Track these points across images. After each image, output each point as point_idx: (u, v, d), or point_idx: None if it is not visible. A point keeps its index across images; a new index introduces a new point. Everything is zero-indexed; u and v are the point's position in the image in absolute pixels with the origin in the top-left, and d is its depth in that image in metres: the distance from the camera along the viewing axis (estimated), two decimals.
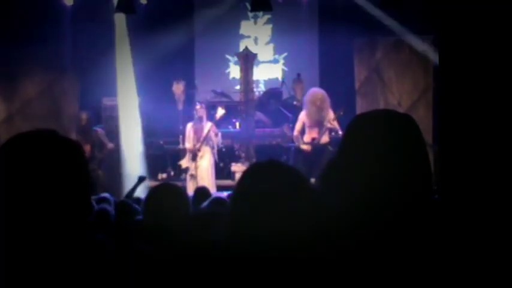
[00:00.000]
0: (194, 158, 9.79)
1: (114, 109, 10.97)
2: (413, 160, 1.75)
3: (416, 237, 1.72)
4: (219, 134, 10.06)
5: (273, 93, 12.51)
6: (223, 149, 10.83)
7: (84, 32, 10.61)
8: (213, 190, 8.94)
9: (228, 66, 13.54)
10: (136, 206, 4.92)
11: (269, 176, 1.74)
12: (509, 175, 1.95)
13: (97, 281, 1.76)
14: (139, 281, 2.94)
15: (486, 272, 1.80)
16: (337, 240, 1.70)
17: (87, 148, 9.71)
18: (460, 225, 1.86)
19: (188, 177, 9.86)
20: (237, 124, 11.53)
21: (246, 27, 13.66)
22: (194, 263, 2.60)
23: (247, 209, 1.71)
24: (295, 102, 11.68)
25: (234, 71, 12.97)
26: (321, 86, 11.83)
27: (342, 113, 9.68)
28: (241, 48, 12.16)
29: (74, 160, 1.75)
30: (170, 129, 11.38)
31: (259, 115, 11.55)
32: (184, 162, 9.95)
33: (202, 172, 9.76)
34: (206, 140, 9.77)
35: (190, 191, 8.20)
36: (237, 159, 10.87)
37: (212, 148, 9.88)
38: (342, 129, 9.34)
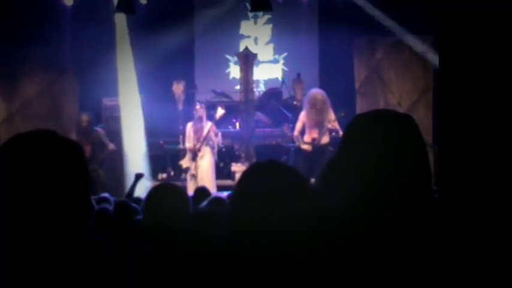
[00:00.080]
0: (194, 158, 9.79)
1: (114, 109, 10.97)
2: (413, 160, 1.75)
3: (416, 237, 1.72)
4: (219, 134, 10.06)
5: (273, 93, 12.51)
6: (223, 149, 10.83)
7: (84, 32, 10.61)
8: (213, 190, 8.94)
9: (228, 66, 13.55)
10: (136, 206, 4.92)
11: (269, 176, 1.74)
12: (509, 175, 1.95)
13: (97, 281, 1.76)
14: (139, 281, 2.94)
15: (486, 272, 1.80)
16: (337, 240, 1.70)
17: (88, 149, 9.70)
18: (460, 225, 1.86)
19: (188, 177, 9.86)
20: (237, 124, 11.53)
21: (246, 27, 13.66)
22: (194, 263, 2.60)
23: (247, 209, 1.71)
24: (295, 102, 11.67)
25: (234, 71, 12.97)
26: (321, 86, 11.83)
27: (342, 114, 9.67)
28: (241, 48, 12.16)
29: (74, 160, 1.75)
30: (170, 129, 11.38)
31: (259, 115, 11.55)
32: (185, 162, 9.95)
33: (202, 172, 9.76)
34: (206, 140, 9.77)
35: (191, 191, 8.20)
36: (237, 159, 10.86)
37: (212, 148, 9.88)
38: (342, 129, 9.33)
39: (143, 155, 10.89)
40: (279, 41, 13.52)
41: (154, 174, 11.22)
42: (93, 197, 6.32)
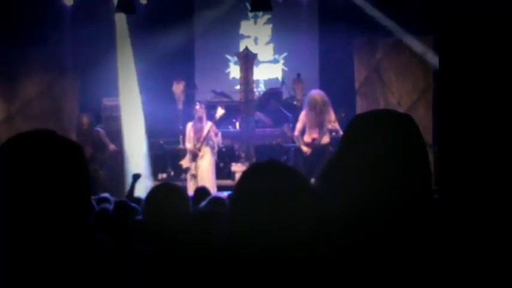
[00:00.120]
0: (194, 158, 9.79)
1: (114, 109, 10.98)
2: (413, 160, 1.75)
3: (416, 237, 1.72)
4: (219, 134, 10.06)
5: (273, 93, 12.51)
6: (223, 149, 10.83)
7: (84, 32, 10.61)
8: (213, 190, 8.94)
9: (228, 66, 13.55)
10: (136, 206, 4.92)
11: (269, 176, 1.74)
12: (510, 175, 1.95)
13: (97, 281, 1.76)
14: (139, 281, 2.94)
15: (486, 272, 1.80)
16: (337, 240, 1.70)
17: (88, 149, 9.71)
18: (460, 225, 1.86)
19: (188, 177, 9.86)
20: (237, 124, 11.53)
21: (246, 27, 13.66)
22: (194, 263, 2.60)
23: (247, 209, 1.71)
24: (295, 102, 11.67)
25: (234, 71, 12.97)
26: (321, 86, 11.83)
27: (343, 115, 9.67)
28: (241, 48, 12.16)
29: (74, 160, 1.75)
30: (170, 129, 11.38)
31: (259, 115, 11.55)
32: (185, 162, 9.95)
33: (202, 172, 9.76)
34: (206, 140, 9.77)
35: (191, 191, 8.20)
36: (237, 159, 10.87)
37: (212, 148, 9.88)
38: (342, 129, 9.31)
39: (143, 155, 10.89)
40: (279, 41, 13.52)
41: (154, 174, 11.22)
42: (93, 197, 6.33)
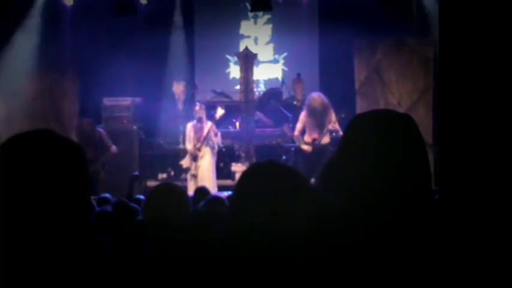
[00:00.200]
0: (195, 158, 9.79)
1: (114, 109, 10.97)
2: (413, 160, 1.75)
3: (416, 237, 1.72)
4: (219, 134, 10.05)
5: (273, 93, 12.50)
6: (223, 149, 10.83)
7: (84, 32, 10.61)
8: (214, 190, 8.93)
9: (228, 66, 13.55)
10: (136, 206, 4.92)
11: (269, 176, 1.74)
12: (510, 176, 1.95)
13: (97, 281, 1.76)
14: (139, 281, 2.94)
15: (486, 272, 1.80)
16: (337, 240, 1.70)
17: (91, 151, 9.71)
18: (460, 226, 1.86)
19: (189, 177, 9.86)
20: (237, 124, 11.53)
21: (246, 27, 13.66)
22: (194, 262, 2.60)
23: (247, 209, 1.71)
24: (295, 102, 11.67)
25: (234, 71, 12.97)
26: (321, 86, 11.83)
27: (343, 115, 9.66)
28: (241, 48, 12.16)
29: (73, 160, 1.75)
30: (170, 129, 11.38)
31: (259, 115, 11.54)
32: (185, 162, 9.94)
33: (203, 172, 9.75)
34: (206, 140, 9.77)
35: (191, 191, 8.20)
36: (237, 159, 10.86)
37: (212, 148, 9.88)
38: (342, 130, 9.29)
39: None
40: (279, 41, 13.52)
41: (154, 174, 11.23)
42: (93, 197, 6.33)
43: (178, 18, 12.58)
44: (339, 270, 1.68)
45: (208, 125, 9.77)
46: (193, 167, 9.79)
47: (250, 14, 13.43)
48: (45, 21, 10.83)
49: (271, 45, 13.63)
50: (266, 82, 13.42)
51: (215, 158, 9.98)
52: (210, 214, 3.06)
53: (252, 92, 11.08)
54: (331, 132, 9.63)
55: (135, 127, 10.98)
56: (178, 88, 11.45)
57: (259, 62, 12.66)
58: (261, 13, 13.28)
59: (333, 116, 9.61)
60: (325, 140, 9.66)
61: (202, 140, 9.73)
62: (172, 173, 11.32)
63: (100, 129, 10.29)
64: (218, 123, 10.18)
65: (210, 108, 10.47)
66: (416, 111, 10.32)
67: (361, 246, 1.69)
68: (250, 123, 10.85)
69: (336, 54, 11.79)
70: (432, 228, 1.75)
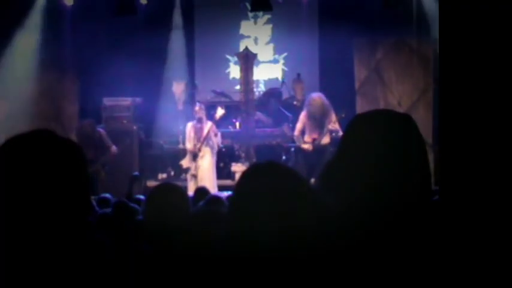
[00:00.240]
0: (195, 158, 9.79)
1: (114, 109, 10.98)
2: (412, 160, 1.75)
3: (416, 237, 1.72)
4: (219, 134, 10.06)
5: (273, 93, 12.51)
6: (223, 149, 10.83)
7: (84, 32, 10.61)
8: (214, 190, 8.93)
9: (228, 66, 13.55)
10: (136, 206, 4.92)
11: (268, 176, 1.74)
12: (510, 176, 1.95)
13: (97, 281, 1.76)
14: (140, 281, 2.94)
15: (486, 273, 1.80)
16: (337, 240, 1.70)
17: (91, 152, 9.72)
18: (461, 226, 1.86)
19: (189, 177, 9.86)
20: (237, 124, 11.53)
21: (246, 27, 13.66)
22: (194, 263, 2.60)
23: (247, 210, 1.71)
24: (295, 102, 11.67)
25: (234, 71, 12.97)
26: (321, 86, 11.83)
27: (343, 115, 9.66)
28: (241, 48, 12.16)
29: (73, 160, 1.75)
30: (170, 129, 11.38)
31: (259, 115, 11.55)
32: (185, 162, 9.95)
33: (203, 172, 9.75)
34: (206, 140, 9.77)
35: (191, 191, 8.20)
36: (237, 159, 10.86)
37: (212, 148, 9.88)
38: (342, 130, 9.29)
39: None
40: (279, 41, 13.52)
41: (154, 174, 11.23)
42: (93, 197, 6.33)
43: (178, 18, 12.58)
44: (339, 270, 1.68)
45: (208, 125, 9.77)
46: (193, 167, 9.79)
47: (250, 14, 13.43)
48: (45, 21, 10.83)
49: (271, 45, 13.63)
50: (266, 82, 13.42)
51: (215, 158, 9.98)
52: (210, 214, 3.06)
53: (252, 92, 11.08)
54: (331, 132, 9.63)
55: (135, 127, 10.98)
56: (178, 88, 11.46)
57: (259, 62, 12.66)
58: (261, 13, 13.28)
59: (333, 116, 9.61)
60: (325, 140, 9.66)
61: (202, 140, 9.73)
62: (172, 173, 11.33)
63: (100, 130, 10.29)
64: (218, 123, 10.17)
65: (210, 108, 10.47)
66: (416, 111, 10.33)
67: (361, 247, 1.69)
68: (250, 123, 10.86)
69: (336, 54, 11.80)
70: (432, 229, 1.75)
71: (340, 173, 1.77)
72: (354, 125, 1.82)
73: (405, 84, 10.87)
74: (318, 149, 9.59)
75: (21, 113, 10.76)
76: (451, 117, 1.94)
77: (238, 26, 13.61)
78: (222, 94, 12.22)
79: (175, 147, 11.04)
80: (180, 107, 11.40)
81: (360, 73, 11.10)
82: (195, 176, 9.76)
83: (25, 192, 1.68)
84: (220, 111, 10.06)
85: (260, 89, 13.09)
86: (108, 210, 4.89)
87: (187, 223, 3.10)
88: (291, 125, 10.85)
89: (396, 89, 10.90)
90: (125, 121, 10.96)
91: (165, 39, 12.15)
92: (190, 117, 10.21)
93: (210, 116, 10.09)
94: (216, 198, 4.49)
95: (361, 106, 10.78)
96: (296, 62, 13.09)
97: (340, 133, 9.42)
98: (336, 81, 11.60)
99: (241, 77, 10.95)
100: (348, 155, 1.78)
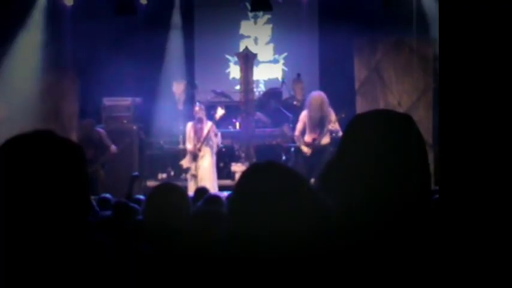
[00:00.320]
0: (195, 158, 9.79)
1: (114, 109, 10.98)
2: (412, 160, 1.75)
3: (416, 237, 1.72)
4: (219, 134, 10.06)
5: (273, 93, 12.51)
6: (223, 149, 10.83)
7: (84, 32, 10.61)
8: (214, 190, 8.94)
9: (228, 66, 13.55)
10: (136, 206, 4.92)
11: (268, 176, 1.74)
12: (510, 175, 1.95)
13: (97, 281, 1.76)
14: (140, 281, 2.94)
15: (486, 273, 1.80)
16: (337, 240, 1.70)
17: (91, 151, 9.72)
18: (461, 226, 1.86)
19: (189, 177, 9.86)
20: (237, 124, 11.53)
21: (246, 27, 13.66)
22: (194, 263, 2.60)
23: (247, 210, 1.71)
24: (295, 102, 11.67)
25: (234, 71, 12.97)
26: (321, 86, 11.83)
27: (343, 115, 9.66)
28: (241, 48, 12.16)
29: (73, 160, 1.75)
30: (170, 129, 11.38)
31: (259, 115, 11.55)
32: (186, 162, 9.95)
33: (203, 172, 9.76)
34: (206, 140, 9.77)
35: (191, 191, 8.21)
36: (237, 159, 10.86)
37: (212, 148, 9.88)
38: (342, 130, 9.28)
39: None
40: (279, 41, 13.52)
41: (154, 174, 11.23)
42: (93, 197, 6.33)
43: (178, 18, 12.58)
44: (339, 270, 1.68)
45: (208, 125, 9.77)
46: (193, 167, 9.79)
47: (250, 14, 13.43)
48: (45, 21, 10.83)
49: (271, 45, 13.63)
50: (266, 82, 13.42)
51: (215, 158, 9.99)
52: (210, 214, 3.06)
53: (252, 92, 11.08)
54: (331, 132, 9.62)
55: (135, 127, 10.98)
56: (178, 88, 11.45)
57: (259, 62, 12.66)
58: (261, 13, 13.28)
59: (332, 116, 9.61)
60: (325, 140, 9.66)
61: (202, 140, 9.73)
62: (172, 173, 11.32)
63: (100, 129, 10.29)
64: (218, 123, 10.17)
65: (210, 108, 10.47)
66: (416, 111, 10.32)
67: (361, 247, 1.69)
68: (250, 123, 10.85)
69: (336, 54, 11.80)
70: (432, 229, 1.75)
71: (340, 173, 1.77)
72: (353, 125, 1.82)
73: (405, 84, 10.86)
74: (318, 149, 9.59)
75: (21, 113, 10.76)
76: (451, 117, 1.94)
77: (238, 26, 13.61)
78: (222, 94, 12.22)
79: (175, 147, 11.04)
80: (180, 107, 11.39)
81: (360, 73, 11.10)
82: (195, 176, 9.76)
83: (25, 192, 1.68)
84: (220, 111, 10.06)
85: (260, 89, 13.09)
86: (108, 212, 4.89)
87: (188, 223, 3.10)
88: (291, 125, 10.85)
89: (396, 89, 10.90)
90: (124, 121, 10.96)
91: (165, 39, 12.15)
92: (190, 117, 10.21)
93: (210, 116, 10.09)
94: (215, 198, 4.49)
95: (361, 106, 10.78)
96: (296, 62, 13.09)
97: (340, 133, 9.42)
98: (336, 81, 11.60)
99: (241, 77, 10.95)
100: (348, 155, 1.78)
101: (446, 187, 1.93)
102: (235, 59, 11.76)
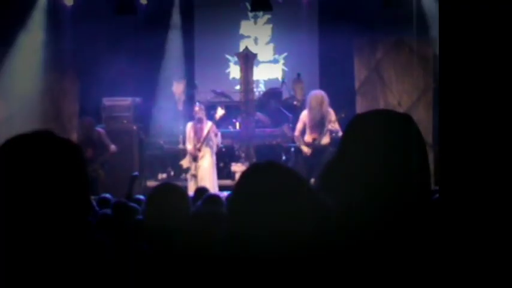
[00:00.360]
0: (195, 158, 9.79)
1: (114, 109, 10.98)
2: (412, 160, 1.75)
3: (417, 237, 1.72)
4: (219, 134, 10.05)
5: (273, 93, 12.51)
6: (223, 149, 10.83)
7: (84, 32, 10.61)
8: (214, 190, 8.94)
9: (228, 66, 13.55)
10: (136, 206, 4.92)
11: (268, 176, 1.74)
12: (510, 175, 1.95)
13: (97, 281, 1.76)
14: (140, 281, 2.94)
15: (486, 273, 1.80)
16: (336, 240, 1.70)
17: (90, 151, 9.72)
18: (461, 226, 1.86)
19: (189, 177, 9.86)
20: (237, 124, 11.53)
21: (246, 27, 13.66)
22: (194, 263, 2.60)
23: (247, 210, 1.71)
24: (295, 102, 11.67)
25: (234, 71, 12.97)
26: (321, 86, 11.82)
27: (343, 115, 9.66)
28: (241, 48, 12.16)
29: (73, 160, 1.75)
30: (170, 129, 11.38)
31: (259, 115, 11.55)
32: (185, 162, 9.95)
33: (203, 172, 9.76)
34: (206, 140, 9.77)
35: (191, 191, 8.20)
36: (237, 159, 10.86)
37: (212, 148, 9.88)
38: (342, 130, 9.28)
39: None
40: (279, 41, 13.52)
41: (154, 174, 11.23)
42: (93, 197, 6.33)
43: (178, 18, 12.58)
44: (339, 270, 1.68)
45: (208, 125, 9.77)
46: (193, 167, 9.79)
47: (250, 14, 13.43)
48: (45, 21, 10.83)
49: (271, 45, 13.63)
50: (266, 82, 13.42)
51: (215, 158, 9.99)
52: (210, 214, 3.06)
53: (252, 92, 11.08)
54: (331, 132, 9.62)
55: (135, 127, 10.99)
56: (178, 88, 11.45)
57: (259, 62, 12.66)
58: (261, 13, 13.28)
59: (332, 115, 9.61)
60: (325, 140, 9.66)
61: (202, 140, 9.73)
62: (172, 173, 11.33)
63: (99, 129, 10.29)
64: (218, 123, 10.17)
65: (210, 108, 10.47)
66: (416, 111, 10.33)
67: (361, 247, 1.69)
68: (250, 123, 10.85)
69: (336, 54, 11.80)
70: (432, 229, 1.75)
71: (340, 173, 1.77)
72: (353, 125, 1.82)
73: (405, 84, 10.87)
74: (318, 149, 9.59)
75: (21, 113, 10.76)
76: (451, 117, 1.94)
77: (238, 26, 13.61)
78: (222, 94, 12.22)
79: (175, 147, 11.04)
80: (180, 107, 11.39)
81: (359, 73, 11.10)
82: (195, 176, 9.76)
83: (25, 192, 1.68)
84: (220, 111, 10.06)
85: (260, 89, 13.09)
86: (108, 210, 4.90)
87: (188, 223, 3.10)
88: (291, 125, 10.85)
89: (396, 89, 10.90)
90: (124, 121, 10.96)
91: (164, 39, 12.15)
92: (190, 117, 10.21)
93: (210, 116, 10.09)
94: (215, 197, 4.49)
95: (361, 106, 10.78)
96: (296, 62, 13.09)
97: (340, 133, 9.42)
98: (336, 81, 11.60)
99: (241, 77, 10.95)
100: (348, 155, 1.78)
101: (446, 187, 1.93)
102: (235, 59, 11.76)
